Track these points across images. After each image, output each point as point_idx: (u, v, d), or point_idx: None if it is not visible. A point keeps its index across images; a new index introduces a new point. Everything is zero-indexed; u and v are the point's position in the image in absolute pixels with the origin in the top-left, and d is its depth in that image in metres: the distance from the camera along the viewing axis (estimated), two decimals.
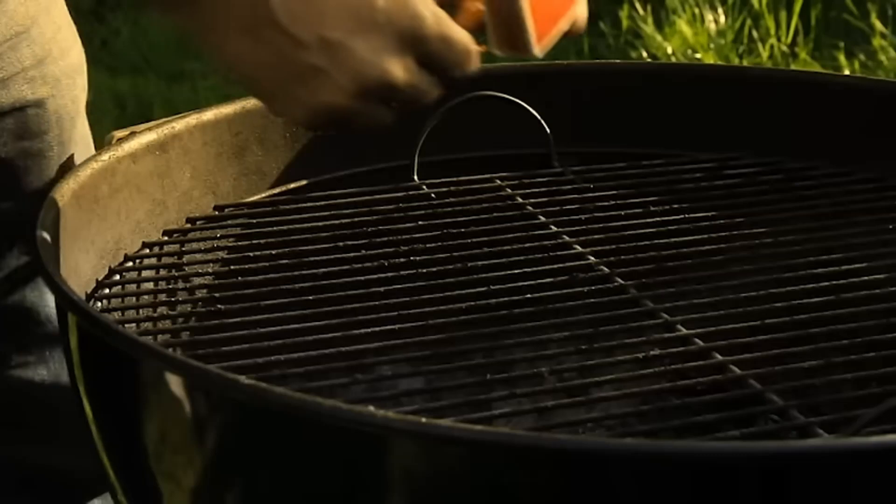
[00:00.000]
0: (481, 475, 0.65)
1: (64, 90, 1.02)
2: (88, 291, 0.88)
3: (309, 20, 0.74)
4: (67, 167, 1.01)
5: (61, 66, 1.02)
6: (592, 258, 0.93)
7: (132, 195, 0.94)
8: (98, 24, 3.80)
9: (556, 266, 0.91)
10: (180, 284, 0.94)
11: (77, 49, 1.05)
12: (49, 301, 1.02)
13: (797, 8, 3.37)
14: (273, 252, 0.94)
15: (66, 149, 1.02)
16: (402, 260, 0.92)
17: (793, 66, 3.21)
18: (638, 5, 3.48)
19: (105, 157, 0.93)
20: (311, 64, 0.75)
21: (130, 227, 0.94)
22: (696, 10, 3.40)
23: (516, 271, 0.91)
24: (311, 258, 0.92)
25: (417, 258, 0.93)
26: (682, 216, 0.99)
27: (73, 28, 1.05)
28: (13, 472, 1.06)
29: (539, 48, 0.84)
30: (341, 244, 0.94)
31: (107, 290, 0.89)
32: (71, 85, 1.03)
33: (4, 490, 1.06)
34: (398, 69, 0.77)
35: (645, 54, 3.36)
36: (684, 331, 0.83)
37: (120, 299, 0.89)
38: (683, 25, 3.34)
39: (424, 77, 0.79)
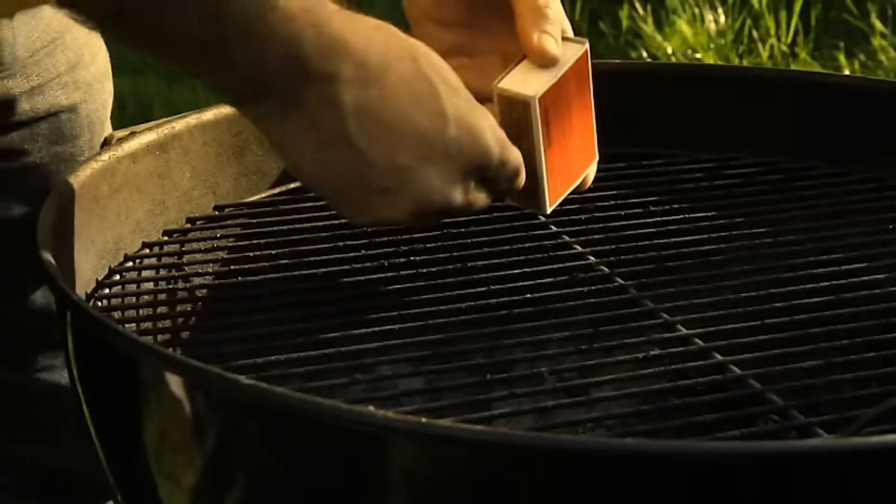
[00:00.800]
0: (481, 475, 0.65)
1: (95, 95, 1.03)
2: (88, 291, 0.88)
3: (383, 144, 0.75)
4: None
5: (92, 71, 1.03)
6: (592, 258, 0.93)
7: (132, 195, 0.94)
8: None
9: (556, 266, 0.91)
10: (180, 284, 0.94)
11: (104, 54, 1.06)
12: None
13: (797, 8, 3.36)
14: (273, 252, 0.94)
15: (95, 152, 1.03)
16: (402, 260, 0.92)
17: (793, 66, 3.20)
18: (638, 5, 3.48)
19: (105, 157, 0.93)
20: (380, 185, 0.76)
21: (130, 227, 0.94)
22: (696, 10, 3.40)
23: (516, 271, 0.91)
24: (311, 258, 0.92)
25: (417, 258, 0.93)
26: (682, 216, 0.99)
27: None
28: (34, 476, 1.06)
29: (550, 208, 0.87)
30: (341, 244, 0.94)
31: (107, 290, 0.89)
32: (100, 90, 1.04)
33: (22, 493, 1.07)
34: (459, 195, 0.79)
35: (645, 54, 3.36)
36: (684, 331, 0.83)
37: (120, 299, 0.89)
38: (683, 25, 3.34)
39: (480, 196, 0.81)
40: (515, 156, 0.81)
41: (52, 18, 0.98)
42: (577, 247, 0.94)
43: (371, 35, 0.75)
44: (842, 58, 3.20)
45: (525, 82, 0.83)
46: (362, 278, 0.90)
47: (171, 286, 0.94)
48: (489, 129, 0.79)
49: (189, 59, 0.73)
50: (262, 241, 0.96)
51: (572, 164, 0.87)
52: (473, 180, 0.79)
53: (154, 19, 0.70)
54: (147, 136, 0.97)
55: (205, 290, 0.95)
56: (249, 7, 0.70)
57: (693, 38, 3.31)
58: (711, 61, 3.22)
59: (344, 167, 0.76)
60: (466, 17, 0.88)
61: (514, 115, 0.83)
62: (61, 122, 1.00)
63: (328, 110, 0.74)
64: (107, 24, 0.73)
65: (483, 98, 0.82)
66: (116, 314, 0.87)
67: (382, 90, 0.74)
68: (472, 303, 0.86)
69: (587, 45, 0.85)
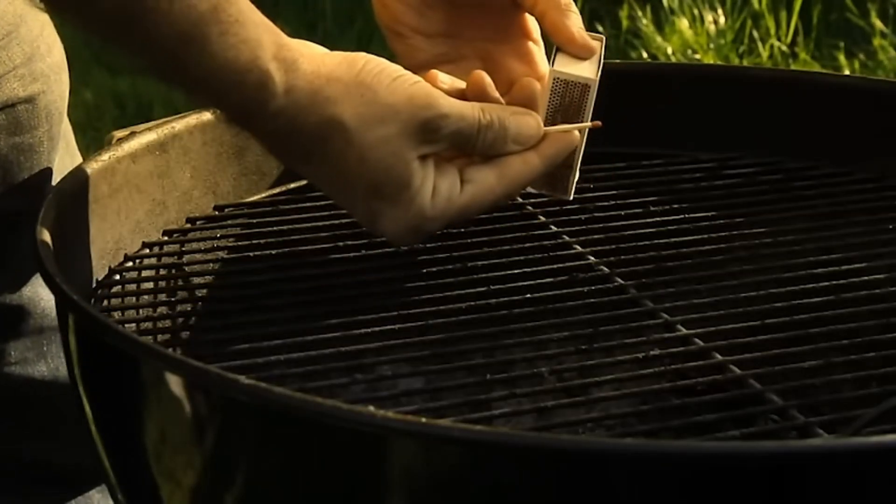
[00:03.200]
0: (481, 475, 0.65)
1: (53, 86, 1.03)
2: (88, 291, 0.88)
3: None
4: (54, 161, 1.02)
5: (48, 62, 1.03)
6: (592, 258, 0.93)
7: (132, 195, 0.94)
8: None
9: (556, 266, 0.91)
10: (180, 284, 0.94)
11: (59, 45, 1.06)
12: (44, 295, 1.03)
13: (797, 8, 3.36)
14: (273, 252, 0.94)
15: (54, 143, 1.03)
16: (402, 260, 0.92)
17: (793, 66, 3.21)
18: (637, 5, 3.48)
19: (105, 157, 0.93)
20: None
21: (130, 227, 0.94)
22: (696, 11, 3.40)
23: (516, 271, 0.91)
24: (311, 258, 0.92)
25: (417, 258, 0.93)
26: (681, 216, 0.99)
27: (53, 25, 1.06)
28: (12, 469, 1.06)
29: (572, 195, 0.92)
30: (341, 244, 0.94)
31: (107, 290, 0.89)
32: (58, 81, 1.04)
33: (3, 487, 1.07)
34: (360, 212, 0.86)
35: (645, 54, 3.36)
36: (684, 331, 0.83)
37: (120, 299, 0.89)
38: (683, 25, 3.34)
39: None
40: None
41: (6, 11, 0.98)
42: (577, 247, 0.94)
43: (313, 126, 0.79)
44: (842, 58, 3.20)
45: (576, 68, 0.88)
46: (362, 278, 0.90)
47: (171, 286, 0.94)
48: (411, 232, 0.85)
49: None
50: (262, 241, 0.96)
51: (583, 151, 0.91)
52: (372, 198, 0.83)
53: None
54: (147, 136, 0.97)
55: (205, 290, 0.95)
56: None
57: (693, 38, 3.32)
58: (711, 61, 3.22)
59: (350, 203, 0.85)
60: (448, 28, 0.92)
61: (567, 100, 0.88)
62: (18, 112, 1.00)
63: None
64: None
65: (476, 98, 0.86)
66: (116, 314, 0.87)
67: (313, 175, 0.84)
68: (472, 303, 0.86)
69: (604, 40, 0.91)
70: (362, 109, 0.80)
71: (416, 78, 0.83)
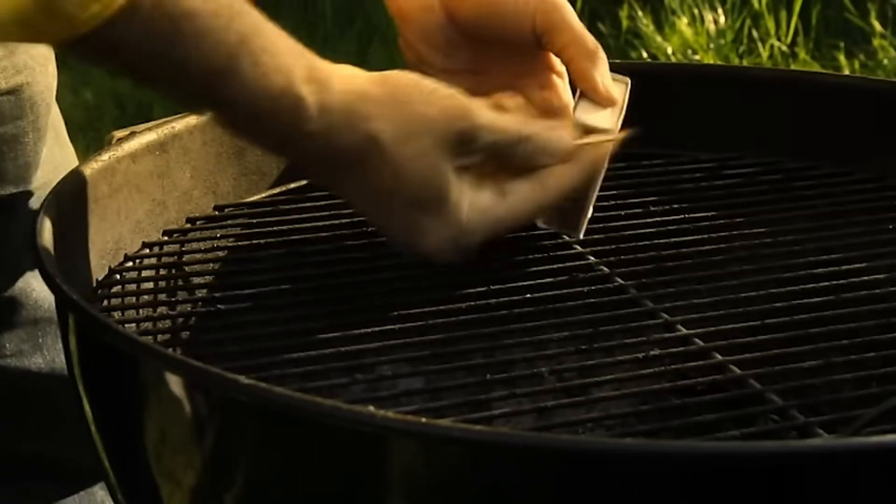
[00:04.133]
0: (481, 475, 0.65)
1: (38, 77, 1.03)
2: (88, 291, 0.88)
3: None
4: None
5: (32, 53, 1.03)
6: (592, 258, 0.93)
7: (132, 195, 0.94)
8: None
9: (556, 266, 0.91)
10: (180, 284, 0.94)
11: None
12: (36, 285, 1.03)
13: (797, 8, 3.37)
14: (273, 252, 0.94)
15: (41, 134, 1.03)
16: (402, 260, 0.92)
17: (793, 66, 3.21)
18: (637, 6, 3.48)
19: (105, 157, 0.93)
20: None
21: (130, 227, 0.94)
22: (696, 11, 3.40)
23: (516, 271, 0.91)
24: (311, 258, 0.92)
25: (417, 258, 0.92)
26: (682, 216, 0.99)
27: None
28: (11, 466, 1.06)
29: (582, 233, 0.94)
30: (341, 244, 0.94)
31: (107, 290, 0.89)
32: (43, 72, 1.04)
33: (3, 484, 1.07)
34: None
35: (645, 54, 3.36)
36: (684, 331, 0.83)
37: (120, 299, 0.89)
38: (683, 25, 3.34)
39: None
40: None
41: None
42: (577, 247, 0.94)
43: (347, 143, 0.79)
44: (842, 58, 3.20)
45: (597, 117, 0.90)
46: (363, 278, 0.90)
47: (171, 286, 0.94)
48: (448, 243, 0.84)
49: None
50: (262, 241, 0.96)
51: None
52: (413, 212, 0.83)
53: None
54: (147, 136, 0.97)
55: (205, 290, 0.95)
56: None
57: (693, 38, 3.32)
58: (711, 61, 3.22)
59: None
60: (473, 65, 0.93)
61: None
62: (1, 103, 1.00)
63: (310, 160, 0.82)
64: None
65: None
66: (116, 314, 0.87)
67: (346, 194, 0.84)
68: (472, 303, 0.86)
69: (629, 83, 0.93)
70: (397, 124, 0.80)
71: (452, 90, 0.83)
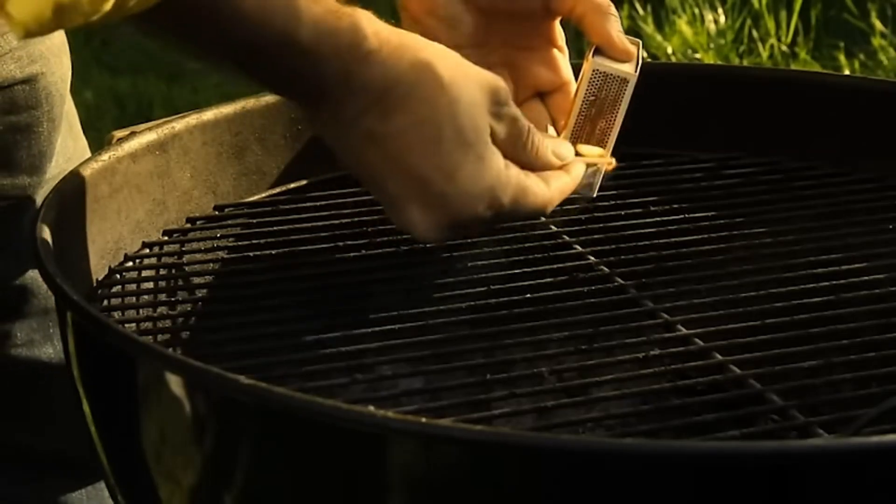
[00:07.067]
0: (481, 475, 0.65)
1: (53, 67, 1.03)
2: (88, 291, 0.88)
3: (382, 170, 0.81)
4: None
5: (47, 44, 1.03)
6: (592, 258, 0.93)
7: (132, 195, 0.94)
8: None
9: (556, 266, 0.91)
10: (180, 284, 0.94)
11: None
12: None
13: (797, 8, 3.36)
14: (273, 252, 0.94)
15: (55, 125, 1.03)
16: (402, 260, 0.92)
17: (793, 66, 3.20)
18: (638, 5, 3.48)
19: (105, 157, 0.93)
20: (380, 198, 0.83)
21: (130, 227, 0.94)
22: (696, 10, 3.40)
23: (516, 271, 0.91)
24: (311, 258, 0.92)
25: (417, 258, 0.93)
26: (682, 216, 0.99)
27: None
28: (21, 457, 1.06)
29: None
30: (341, 244, 0.94)
31: (107, 290, 0.89)
32: (59, 63, 1.04)
33: (12, 476, 1.07)
34: (437, 237, 0.82)
35: (645, 54, 3.36)
36: (684, 331, 0.83)
37: (120, 299, 0.89)
38: (683, 25, 3.34)
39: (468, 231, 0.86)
40: (534, 201, 0.84)
41: None
42: (577, 247, 0.94)
43: (406, 66, 0.79)
44: (842, 58, 3.20)
45: (616, 64, 0.91)
46: (362, 278, 0.90)
47: (171, 286, 0.94)
48: (486, 192, 0.81)
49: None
50: (262, 241, 0.96)
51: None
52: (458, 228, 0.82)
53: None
54: (147, 136, 0.97)
55: (205, 290, 0.95)
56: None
57: (693, 38, 3.32)
58: (711, 61, 3.22)
59: (358, 173, 0.83)
60: (476, 38, 0.93)
61: (604, 93, 0.90)
62: (15, 93, 1.00)
63: (346, 128, 0.80)
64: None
65: None
66: (116, 314, 0.87)
67: (394, 126, 0.79)
68: (472, 303, 0.86)
69: (640, 43, 0.94)
70: (448, 65, 0.80)
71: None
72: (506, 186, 0.81)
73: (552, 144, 0.86)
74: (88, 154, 1.11)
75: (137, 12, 0.72)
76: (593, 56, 0.91)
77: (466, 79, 0.80)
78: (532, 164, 0.84)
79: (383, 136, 0.79)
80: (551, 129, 0.94)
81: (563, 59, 0.95)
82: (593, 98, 0.90)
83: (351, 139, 0.80)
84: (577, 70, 0.94)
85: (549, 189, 0.84)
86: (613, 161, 0.92)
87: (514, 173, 0.82)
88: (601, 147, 0.91)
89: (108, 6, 0.70)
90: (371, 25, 0.78)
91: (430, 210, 0.80)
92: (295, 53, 0.77)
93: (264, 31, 0.76)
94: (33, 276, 1.03)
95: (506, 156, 0.82)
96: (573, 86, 0.94)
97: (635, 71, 0.90)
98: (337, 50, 0.77)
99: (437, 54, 0.80)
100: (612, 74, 0.89)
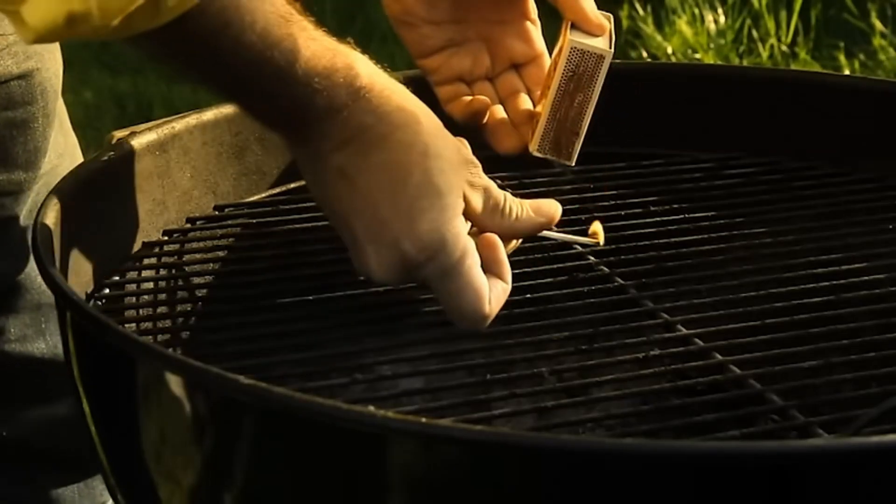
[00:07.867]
0: (481, 475, 0.65)
1: (48, 63, 1.03)
2: (88, 291, 0.88)
3: (346, 205, 0.82)
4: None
5: None
6: (592, 258, 0.93)
7: (132, 195, 0.94)
8: None
9: (556, 266, 0.91)
10: (180, 284, 0.94)
11: None
12: None
13: (797, 8, 3.36)
14: (273, 252, 0.94)
15: (50, 120, 1.03)
16: None
17: (793, 66, 3.20)
18: (638, 5, 3.48)
19: (105, 157, 0.93)
20: (343, 236, 0.84)
21: (130, 227, 0.94)
22: (696, 10, 3.40)
23: (516, 271, 0.90)
24: (312, 258, 0.92)
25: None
26: (682, 216, 0.99)
27: None
28: (14, 453, 1.06)
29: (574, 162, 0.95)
30: (341, 244, 0.94)
31: (107, 290, 0.89)
32: (52, 58, 1.04)
33: (6, 472, 1.06)
34: (393, 279, 0.83)
35: (645, 54, 3.36)
36: (684, 331, 0.83)
37: (120, 299, 0.89)
38: (683, 25, 3.34)
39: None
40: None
41: None
42: (578, 247, 0.94)
43: (393, 108, 0.81)
44: (842, 58, 3.20)
45: (592, 41, 0.92)
46: (362, 278, 0.90)
47: (171, 286, 0.94)
48: (438, 244, 0.81)
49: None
50: (262, 241, 0.96)
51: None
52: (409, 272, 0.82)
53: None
54: (147, 136, 0.97)
55: (205, 290, 0.95)
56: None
57: (693, 38, 3.32)
58: (711, 61, 3.22)
59: (327, 209, 0.84)
60: (454, 14, 0.97)
61: (581, 69, 0.91)
62: (11, 88, 1.00)
63: (323, 161, 0.82)
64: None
65: (475, 78, 0.97)
66: (116, 314, 0.87)
67: (367, 163, 0.81)
68: None
69: (612, 18, 0.95)
70: (432, 120, 0.83)
71: None
72: (455, 247, 0.82)
73: (532, 205, 0.87)
74: (79, 150, 1.11)
75: (143, 31, 0.73)
76: (570, 34, 0.92)
77: (447, 139, 0.83)
78: (513, 228, 0.86)
79: (357, 171, 0.81)
80: (527, 99, 0.97)
81: (535, 31, 0.98)
82: (571, 74, 0.91)
83: (327, 173, 0.82)
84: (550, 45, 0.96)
85: (493, 290, 0.83)
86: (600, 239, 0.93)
87: (470, 244, 0.83)
88: (579, 119, 0.92)
89: (116, 22, 0.71)
90: (366, 67, 0.81)
91: (385, 252, 0.81)
92: (291, 87, 0.79)
93: (263, 65, 0.78)
94: (27, 271, 1.03)
95: (484, 226, 0.84)
96: (546, 58, 0.98)
97: (610, 47, 0.92)
98: (333, 87, 0.80)
99: (424, 110, 0.83)
100: (588, 52, 0.91)
